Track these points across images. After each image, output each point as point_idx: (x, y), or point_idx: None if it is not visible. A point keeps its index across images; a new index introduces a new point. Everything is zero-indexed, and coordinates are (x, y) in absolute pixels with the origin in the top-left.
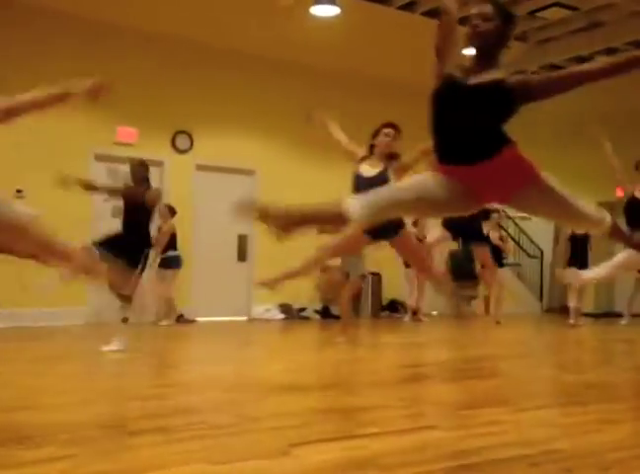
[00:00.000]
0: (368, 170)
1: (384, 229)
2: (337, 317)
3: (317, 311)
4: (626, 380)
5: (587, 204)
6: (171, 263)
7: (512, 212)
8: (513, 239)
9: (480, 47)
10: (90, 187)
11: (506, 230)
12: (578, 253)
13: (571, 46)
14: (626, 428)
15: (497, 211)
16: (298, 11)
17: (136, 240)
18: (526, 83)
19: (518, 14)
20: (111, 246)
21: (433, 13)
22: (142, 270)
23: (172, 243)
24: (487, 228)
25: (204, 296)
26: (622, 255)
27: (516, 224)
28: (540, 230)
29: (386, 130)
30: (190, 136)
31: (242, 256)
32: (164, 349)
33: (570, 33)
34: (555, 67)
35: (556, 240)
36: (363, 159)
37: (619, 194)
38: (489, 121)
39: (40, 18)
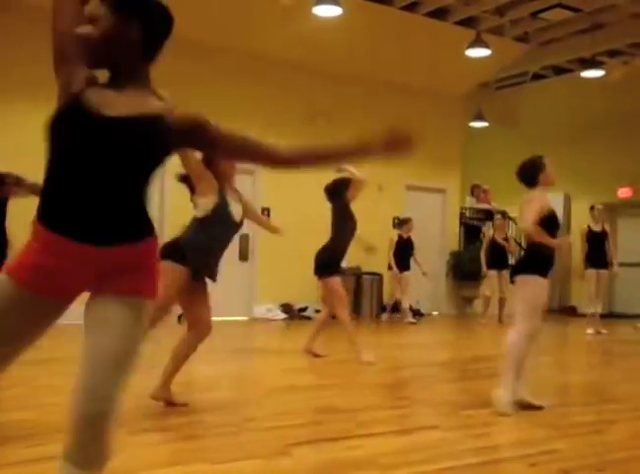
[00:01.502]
0: None
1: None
2: None
3: (318, 311)
4: (624, 381)
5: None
6: None
7: (512, 213)
8: (514, 240)
9: (101, 63)
10: None
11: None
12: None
13: (573, 48)
14: (624, 428)
15: (500, 213)
16: (301, 10)
17: None
18: (202, 126)
19: (162, 5)
20: None
21: (435, 13)
22: None
23: None
24: (491, 230)
25: None
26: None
27: (516, 224)
28: None
29: None
30: None
31: (244, 255)
32: (164, 348)
33: (572, 34)
34: (557, 68)
35: None
36: None
37: (621, 195)
38: (131, 180)
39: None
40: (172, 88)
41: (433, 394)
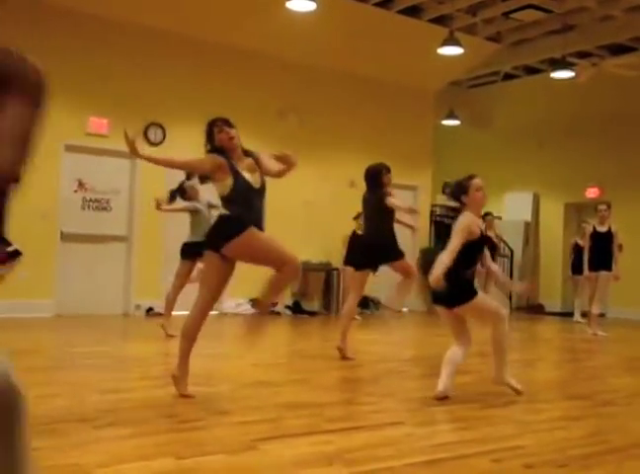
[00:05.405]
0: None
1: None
2: (308, 312)
3: (288, 306)
4: (589, 378)
5: None
6: None
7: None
8: (500, 238)
9: None
10: None
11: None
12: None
13: (544, 48)
14: (587, 424)
15: (489, 213)
16: (274, 4)
17: None
18: None
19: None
20: None
21: (408, 11)
22: None
23: None
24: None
25: None
26: None
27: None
28: (511, 230)
29: None
30: (162, 128)
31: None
32: (133, 342)
33: (543, 35)
34: (528, 68)
35: (526, 240)
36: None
37: (589, 195)
38: None
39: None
40: (148, 81)
41: (400, 390)
